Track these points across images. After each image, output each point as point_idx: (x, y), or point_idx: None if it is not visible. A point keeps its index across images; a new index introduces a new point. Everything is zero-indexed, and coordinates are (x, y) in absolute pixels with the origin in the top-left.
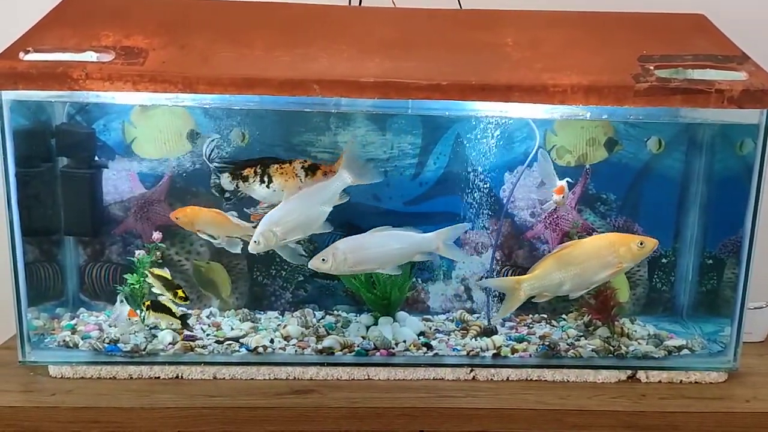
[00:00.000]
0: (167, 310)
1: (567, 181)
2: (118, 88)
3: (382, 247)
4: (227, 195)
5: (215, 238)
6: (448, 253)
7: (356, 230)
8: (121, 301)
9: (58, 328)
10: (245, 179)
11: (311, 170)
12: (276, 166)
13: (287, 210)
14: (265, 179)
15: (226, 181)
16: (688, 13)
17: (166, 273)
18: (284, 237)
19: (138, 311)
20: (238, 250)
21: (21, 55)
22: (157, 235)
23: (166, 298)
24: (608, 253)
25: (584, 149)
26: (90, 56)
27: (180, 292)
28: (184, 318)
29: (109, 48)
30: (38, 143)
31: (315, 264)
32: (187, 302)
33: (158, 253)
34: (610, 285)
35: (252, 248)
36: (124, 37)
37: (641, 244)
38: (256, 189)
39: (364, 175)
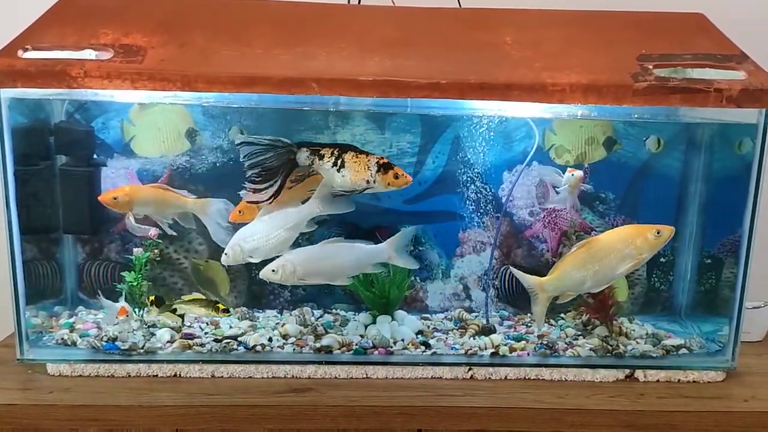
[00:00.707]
0: (169, 307)
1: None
2: (117, 86)
3: (332, 259)
4: (296, 172)
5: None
6: (400, 261)
7: (356, 229)
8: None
9: (57, 326)
10: (321, 157)
11: (384, 168)
12: (353, 153)
13: (255, 229)
14: (338, 163)
15: (303, 155)
16: (687, 12)
17: (196, 296)
18: (250, 255)
19: (136, 309)
20: (192, 225)
21: (20, 52)
22: (153, 232)
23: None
24: (625, 246)
25: (583, 148)
26: (89, 54)
27: (220, 306)
28: (184, 315)
29: (107, 46)
30: (37, 141)
31: (266, 274)
32: (228, 314)
33: (156, 250)
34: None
35: (222, 260)
36: (123, 35)
37: (658, 233)
38: (328, 170)
39: (335, 206)
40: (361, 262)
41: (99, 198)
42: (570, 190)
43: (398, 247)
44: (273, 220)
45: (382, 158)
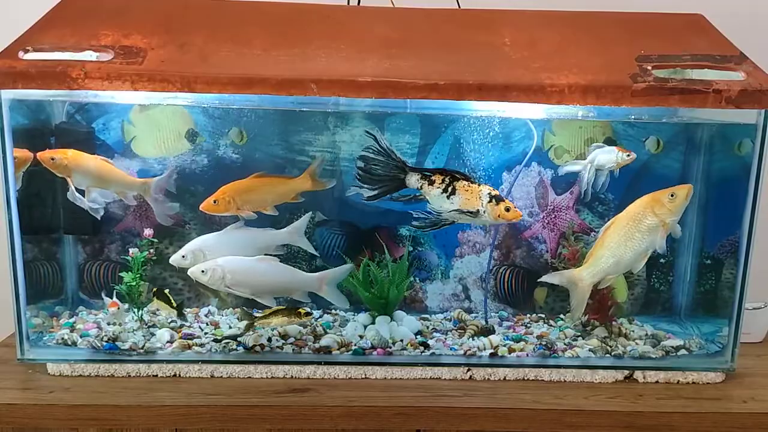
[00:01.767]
0: (167, 300)
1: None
2: (117, 88)
3: (262, 277)
4: (401, 193)
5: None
6: (330, 296)
7: (355, 229)
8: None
9: (57, 326)
10: (431, 183)
11: (495, 200)
12: (465, 182)
13: (223, 241)
14: (449, 190)
15: (413, 179)
16: (686, 13)
17: (276, 307)
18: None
19: (135, 309)
20: (133, 202)
21: (20, 54)
22: (148, 231)
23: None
24: (646, 218)
25: (582, 149)
26: (89, 55)
27: (302, 310)
28: (180, 308)
29: (108, 47)
30: (38, 142)
31: (194, 272)
32: (310, 317)
33: (151, 250)
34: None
35: (176, 260)
36: (123, 36)
37: (672, 195)
38: (437, 195)
39: (304, 242)
40: (290, 287)
41: (37, 155)
42: (614, 169)
43: (331, 281)
44: (241, 238)
45: (494, 189)
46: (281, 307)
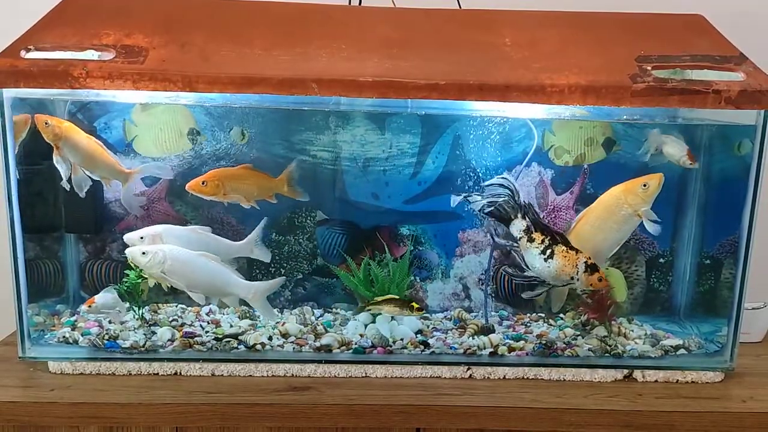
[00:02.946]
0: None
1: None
2: (119, 87)
3: (199, 272)
4: (500, 238)
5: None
6: (259, 307)
7: (354, 229)
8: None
9: (58, 325)
10: (531, 240)
11: (590, 269)
12: (564, 248)
13: (182, 236)
14: (547, 252)
15: (517, 226)
16: (686, 13)
17: (390, 295)
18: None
19: (135, 308)
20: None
21: (22, 53)
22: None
23: None
24: (620, 208)
25: (582, 149)
26: (91, 55)
27: (415, 304)
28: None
29: (109, 46)
30: (39, 141)
31: (134, 253)
32: (422, 312)
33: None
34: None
35: (131, 239)
36: (124, 35)
37: (645, 185)
38: (534, 255)
39: (263, 254)
40: (223, 290)
41: (35, 116)
42: (684, 163)
43: (262, 293)
44: (198, 240)
45: (589, 258)
46: (395, 296)
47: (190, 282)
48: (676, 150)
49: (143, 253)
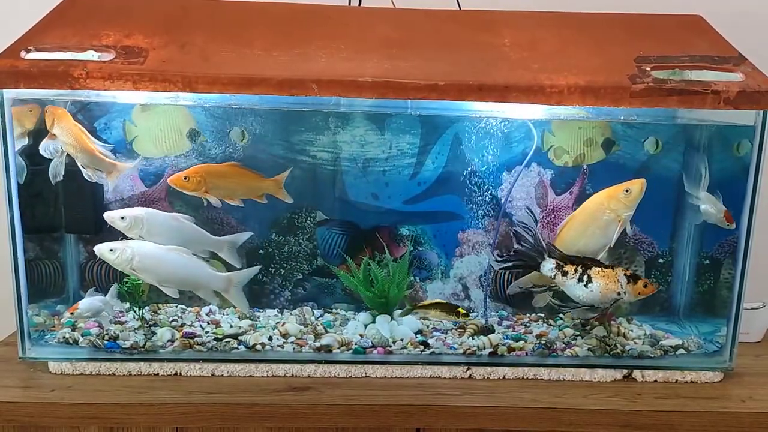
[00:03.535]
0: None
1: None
2: (119, 87)
3: (169, 266)
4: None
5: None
6: (235, 299)
7: (354, 229)
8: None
9: (59, 325)
10: (564, 274)
11: (633, 279)
12: (598, 269)
13: (163, 222)
14: (584, 279)
15: (548, 267)
16: (685, 14)
17: (436, 299)
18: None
19: (136, 308)
20: (103, 181)
21: (22, 53)
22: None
23: None
24: (602, 214)
25: (582, 149)
26: (91, 55)
27: (461, 310)
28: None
29: (109, 47)
30: (40, 141)
31: (102, 249)
32: (468, 318)
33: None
34: None
35: (112, 218)
36: (124, 36)
37: (627, 191)
38: (573, 286)
39: (234, 259)
40: (197, 283)
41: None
42: (721, 223)
43: (239, 283)
44: (178, 227)
45: (626, 269)
46: (441, 300)
47: (161, 277)
48: (713, 210)
49: (111, 250)
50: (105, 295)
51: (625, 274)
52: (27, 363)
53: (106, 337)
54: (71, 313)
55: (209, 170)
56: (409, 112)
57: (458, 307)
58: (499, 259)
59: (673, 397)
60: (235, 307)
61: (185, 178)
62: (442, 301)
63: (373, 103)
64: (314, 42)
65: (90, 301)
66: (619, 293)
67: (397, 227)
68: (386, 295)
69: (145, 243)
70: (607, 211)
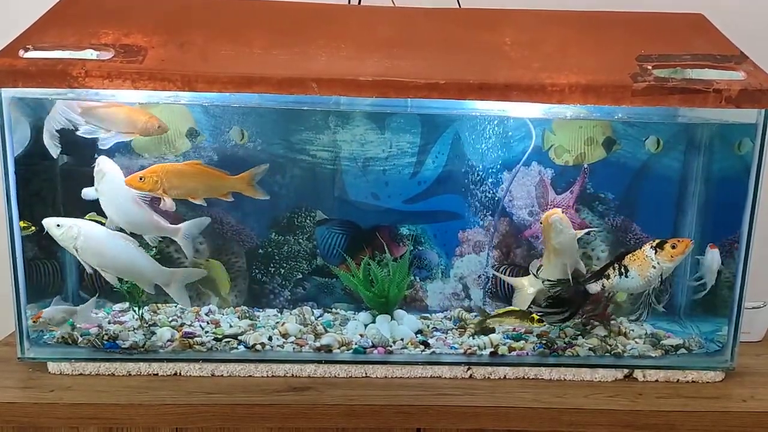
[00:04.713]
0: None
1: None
2: (118, 86)
3: (112, 252)
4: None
5: None
6: (176, 294)
7: (354, 229)
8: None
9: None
10: (608, 278)
11: (659, 246)
12: (629, 255)
13: (122, 196)
14: (623, 272)
15: (594, 288)
16: (686, 12)
17: (509, 308)
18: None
19: (135, 308)
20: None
21: (21, 52)
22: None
23: None
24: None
25: (582, 148)
26: (89, 54)
27: (535, 316)
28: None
29: (108, 46)
30: (38, 140)
31: (49, 223)
32: (542, 324)
33: (154, 249)
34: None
35: (50, 225)
36: (123, 35)
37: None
38: (621, 283)
39: (186, 240)
40: (138, 274)
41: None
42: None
43: (182, 280)
44: (134, 208)
45: (651, 242)
46: (515, 308)
47: (102, 262)
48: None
49: (58, 225)
50: (82, 303)
51: (651, 247)
52: (26, 363)
53: (106, 337)
54: (34, 321)
55: (166, 169)
56: (409, 110)
57: (532, 313)
58: (547, 308)
59: (674, 397)
60: (234, 307)
61: (140, 179)
62: (516, 309)
63: (373, 102)
64: (314, 41)
65: (53, 310)
66: (654, 267)
67: (397, 227)
68: (386, 295)
69: (94, 225)
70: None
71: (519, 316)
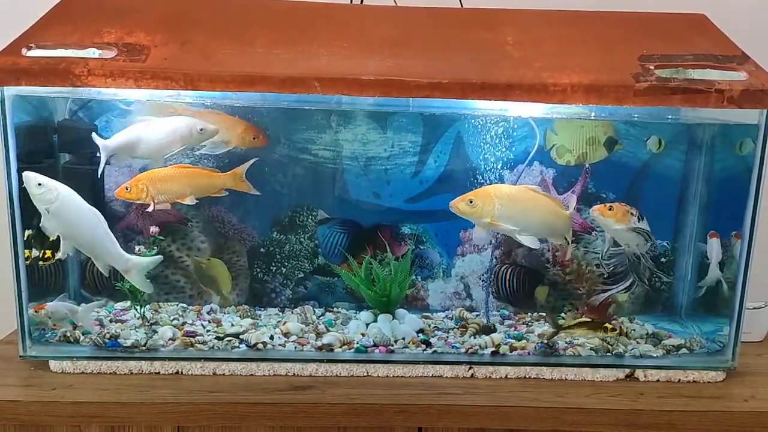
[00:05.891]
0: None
1: None
2: (120, 85)
3: (81, 225)
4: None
5: None
6: (137, 281)
7: (356, 228)
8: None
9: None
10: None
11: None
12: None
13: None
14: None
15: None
16: (688, 12)
17: (581, 319)
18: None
19: (137, 307)
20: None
21: (23, 51)
22: (154, 229)
23: None
24: None
25: (584, 148)
26: (92, 53)
27: (608, 326)
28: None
29: (111, 44)
30: (40, 139)
31: (30, 178)
32: (616, 332)
33: (156, 248)
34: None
35: (30, 181)
36: (126, 33)
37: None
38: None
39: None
40: (98, 252)
41: None
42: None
43: (140, 269)
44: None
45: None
46: (587, 319)
47: (67, 231)
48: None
49: (39, 184)
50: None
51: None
52: (28, 361)
53: (107, 336)
54: (36, 311)
55: (151, 176)
56: (411, 110)
57: (605, 322)
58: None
59: (675, 397)
60: (235, 306)
61: (127, 188)
62: (587, 320)
63: (374, 101)
64: (316, 40)
65: (58, 305)
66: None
67: (398, 226)
68: (388, 294)
69: (73, 193)
70: None
71: (591, 327)
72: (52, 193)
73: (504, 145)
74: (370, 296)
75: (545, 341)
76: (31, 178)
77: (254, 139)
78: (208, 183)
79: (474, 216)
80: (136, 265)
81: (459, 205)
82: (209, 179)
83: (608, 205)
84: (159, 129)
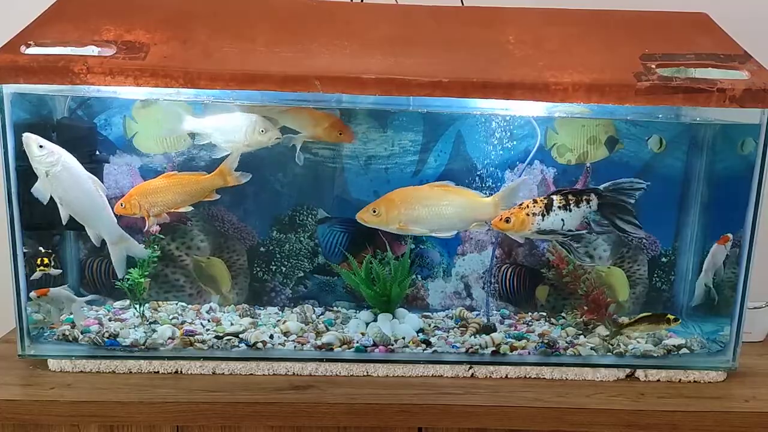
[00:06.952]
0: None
1: None
2: (120, 83)
3: (80, 190)
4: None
5: None
6: (115, 256)
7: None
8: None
9: (58, 322)
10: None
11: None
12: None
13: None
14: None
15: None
16: (690, 11)
17: (641, 315)
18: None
19: (136, 306)
20: None
21: (22, 48)
22: (155, 228)
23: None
24: None
25: (585, 147)
26: (91, 50)
27: (670, 316)
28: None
29: (110, 42)
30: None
31: (31, 141)
32: (678, 322)
33: (156, 246)
34: (603, 283)
35: (30, 142)
36: (125, 31)
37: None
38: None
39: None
40: (91, 221)
41: None
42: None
43: (127, 246)
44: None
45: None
46: (649, 314)
47: (65, 196)
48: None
49: (40, 146)
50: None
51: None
52: (26, 360)
53: (106, 335)
54: (38, 296)
55: (141, 191)
56: (411, 109)
57: (666, 314)
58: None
59: (676, 397)
60: (235, 305)
61: (122, 205)
62: (647, 314)
63: (375, 99)
64: (317, 38)
65: (59, 291)
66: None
67: None
68: (388, 294)
69: (74, 160)
70: None
71: (653, 321)
72: (53, 156)
73: (505, 144)
74: (370, 295)
75: (606, 341)
76: (32, 139)
77: (340, 134)
78: (197, 188)
79: (381, 224)
80: (126, 242)
81: (364, 216)
82: (197, 184)
83: (504, 216)
84: (227, 122)
